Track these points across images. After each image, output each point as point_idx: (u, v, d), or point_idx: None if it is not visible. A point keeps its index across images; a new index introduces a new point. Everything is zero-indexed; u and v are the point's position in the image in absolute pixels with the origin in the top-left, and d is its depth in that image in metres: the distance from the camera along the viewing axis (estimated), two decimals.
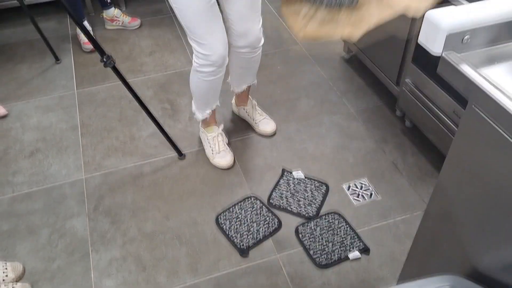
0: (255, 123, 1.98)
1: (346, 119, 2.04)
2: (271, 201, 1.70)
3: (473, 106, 0.77)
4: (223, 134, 1.90)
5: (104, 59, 1.52)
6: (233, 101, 2.06)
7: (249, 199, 1.70)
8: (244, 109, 2.01)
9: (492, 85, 0.71)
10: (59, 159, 1.90)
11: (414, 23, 1.72)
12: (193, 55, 1.59)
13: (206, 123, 1.87)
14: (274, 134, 1.98)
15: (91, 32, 2.52)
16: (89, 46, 2.45)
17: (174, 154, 1.89)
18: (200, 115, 1.80)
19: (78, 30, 2.53)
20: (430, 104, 1.73)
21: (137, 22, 2.66)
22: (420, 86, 1.76)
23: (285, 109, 2.10)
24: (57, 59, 2.42)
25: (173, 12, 2.81)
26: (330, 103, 2.13)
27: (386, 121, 2.03)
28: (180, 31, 2.65)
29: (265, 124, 1.98)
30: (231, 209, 1.67)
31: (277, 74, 2.32)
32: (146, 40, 2.59)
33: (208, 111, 1.80)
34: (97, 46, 1.54)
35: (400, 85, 1.90)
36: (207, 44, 1.52)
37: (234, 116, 2.08)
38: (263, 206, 1.68)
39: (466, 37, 0.79)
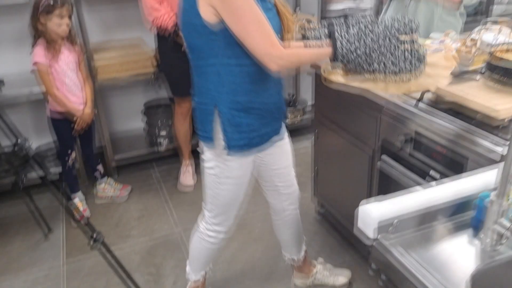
0: (335, 276, 2.05)
1: None
2: None
3: (407, 282, 0.91)
4: None
5: (92, 241, 1.66)
6: (297, 277, 2.06)
7: None
8: (316, 272, 2.04)
9: (417, 267, 0.87)
10: None
11: (372, 182, 1.95)
12: (204, 223, 1.71)
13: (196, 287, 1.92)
14: None
15: (84, 201, 2.72)
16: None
17: None
18: (194, 276, 1.86)
19: (72, 200, 2.71)
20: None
21: (127, 189, 2.88)
22: None
23: (268, 269, 2.19)
24: (49, 230, 2.55)
25: (162, 178, 3.07)
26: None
27: (363, 275, 2.12)
28: (168, 197, 2.86)
29: (343, 271, 2.08)
30: None
31: (257, 233, 2.46)
32: (135, 207, 2.78)
33: (203, 273, 1.87)
34: (87, 226, 1.70)
35: None
36: (227, 221, 1.68)
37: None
38: None
39: (393, 223, 0.97)
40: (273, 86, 1.49)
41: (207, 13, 1.28)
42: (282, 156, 1.70)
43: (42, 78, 2.38)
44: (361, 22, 1.31)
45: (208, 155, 1.54)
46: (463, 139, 1.39)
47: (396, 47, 1.29)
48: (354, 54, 1.31)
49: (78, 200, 2.68)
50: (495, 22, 1.96)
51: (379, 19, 1.33)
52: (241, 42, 1.30)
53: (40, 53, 2.33)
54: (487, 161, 1.30)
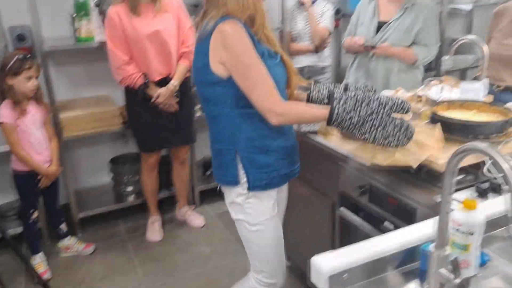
0: None
1: None
2: None
3: None
4: None
5: None
6: None
7: None
8: None
9: None
10: None
11: (335, 232, 2.00)
12: (255, 282, 1.69)
13: None
14: None
15: (45, 262, 2.62)
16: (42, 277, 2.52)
17: None
18: None
19: (32, 261, 2.62)
20: None
21: (91, 248, 2.82)
22: None
23: None
24: None
25: (128, 234, 3.02)
26: None
27: None
28: (133, 253, 2.81)
29: None
30: None
31: None
32: (99, 265, 2.71)
33: None
34: None
35: None
36: (276, 272, 1.67)
37: None
38: None
39: (344, 276, 1.02)
40: (288, 131, 1.60)
41: (218, 69, 1.42)
42: (282, 201, 1.78)
43: (8, 137, 2.37)
44: (359, 96, 1.45)
45: (234, 204, 1.59)
46: (411, 191, 1.48)
47: (388, 124, 1.43)
48: (348, 123, 1.44)
49: (39, 261, 2.59)
50: (438, 81, 2.14)
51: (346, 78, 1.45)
52: (246, 96, 1.43)
53: (6, 113, 2.34)
54: (433, 212, 1.39)
